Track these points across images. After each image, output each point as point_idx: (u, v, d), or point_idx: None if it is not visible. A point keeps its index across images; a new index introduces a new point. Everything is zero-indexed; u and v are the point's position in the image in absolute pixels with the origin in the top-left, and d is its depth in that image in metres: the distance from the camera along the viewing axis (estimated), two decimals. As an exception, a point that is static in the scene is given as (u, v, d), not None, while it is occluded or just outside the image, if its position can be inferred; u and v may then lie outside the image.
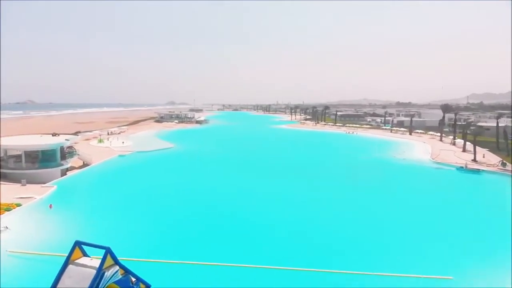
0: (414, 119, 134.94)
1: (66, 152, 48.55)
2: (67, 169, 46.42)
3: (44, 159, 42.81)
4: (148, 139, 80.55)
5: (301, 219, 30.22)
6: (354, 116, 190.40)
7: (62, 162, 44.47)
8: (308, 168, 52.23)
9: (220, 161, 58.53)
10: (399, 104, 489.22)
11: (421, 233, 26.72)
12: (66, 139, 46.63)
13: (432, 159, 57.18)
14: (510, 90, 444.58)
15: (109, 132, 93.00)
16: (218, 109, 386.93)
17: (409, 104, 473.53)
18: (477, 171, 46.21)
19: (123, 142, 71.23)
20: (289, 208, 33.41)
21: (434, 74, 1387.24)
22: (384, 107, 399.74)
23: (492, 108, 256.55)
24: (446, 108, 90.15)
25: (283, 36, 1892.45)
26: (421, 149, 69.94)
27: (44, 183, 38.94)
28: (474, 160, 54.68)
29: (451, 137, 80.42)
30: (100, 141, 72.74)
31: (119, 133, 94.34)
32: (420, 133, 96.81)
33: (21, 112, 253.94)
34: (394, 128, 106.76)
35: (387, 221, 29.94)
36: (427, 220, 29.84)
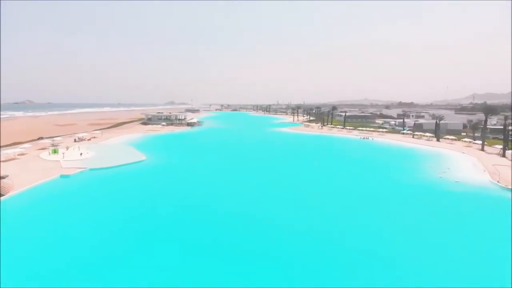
0: (426, 121, 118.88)
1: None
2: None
3: None
4: (117, 148, 64.49)
5: None
6: (362, 117, 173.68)
7: None
8: (331, 195, 36.28)
9: (204, 181, 42.61)
10: (401, 104, 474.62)
11: None
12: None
13: (496, 181, 41.11)
14: (511, 90, 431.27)
15: (77, 138, 77.08)
16: (216, 109, 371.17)
17: (411, 104, 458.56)
18: None
19: (81, 154, 55.24)
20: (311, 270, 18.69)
21: (434, 74, 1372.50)
22: (387, 107, 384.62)
23: (499, 108, 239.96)
24: (489, 110, 73.46)
25: (283, 36, 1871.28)
26: (467, 163, 53.93)
27: None
28: (556, 183, 38.80)
29: (499, 146, 64.37)
30: (54, 151, 56.86)
31: (89, 139, 78.58)
32: (451, 139, 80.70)
33: (10, 112, 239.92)
34: (418, 133, 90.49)
35: None
36: None
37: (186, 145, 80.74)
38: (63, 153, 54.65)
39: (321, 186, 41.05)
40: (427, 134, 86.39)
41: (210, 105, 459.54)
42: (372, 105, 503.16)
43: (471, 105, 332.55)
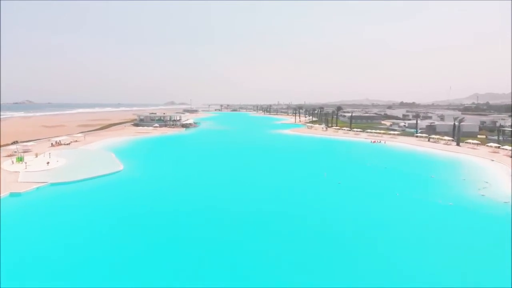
0: (440, 123, 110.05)
1: None
2: None
3: None
4: (95, 155, 55.99)
5: None
6: (367, 118, 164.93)
7: None
8: (348, 216, 27.90)
9: (190, 197, 34.27)
10: (403, 104, 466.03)
11: None
12: None
13: (555, 202, 32.68)
14: (511, 90, 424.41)
15: (54, 142, 68.77)
16: (216, 110, 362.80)
17: (413, 105, 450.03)
18: None
19: (48, 163, 46.93)
20: None
21: (435, 74, 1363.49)
22: (389, 107, 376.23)
23: (505, 108, 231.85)
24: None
25: (283, 36, 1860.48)
26: (504, 174, 45.43)
27: None
28: None
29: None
30: (20, 159, 48.59)
31: (68, 144, 70.30)
32: (474, 143, 72.20)
33: (10, 113, 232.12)
34: (434, 136, 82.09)
35: None
36: None
37: (176, 150, 72.42)
38: (25, 163, 46.22)
39: (335, 204, 32.66)
40: (446, 137, 77.90)
41: (209, 105, 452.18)
42: (373, 105, 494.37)
43: (474, 105, 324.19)
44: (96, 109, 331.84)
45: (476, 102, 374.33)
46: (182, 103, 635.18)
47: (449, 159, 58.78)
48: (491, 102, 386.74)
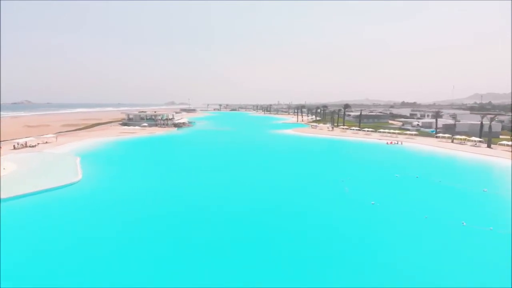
0: (460, 122, 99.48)
1: None
2: None
3: None
4: (54, 161, 45.48)
5: None
6: (374, 117, 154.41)
7: None
8: (392, 254, 17.88)
9: (163, 220, 24.19)
10: (404, 104, 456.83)
11: None
12: None
13: None
14: (511, 90, 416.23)
15: (17, 144, 58.66)
16: (215, 109, 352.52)
17: (414, 104, 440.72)
18: None
19: (-11, 172, 36.76)
20: None
21: (435, 74, 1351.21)
22: (391, 106, 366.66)
23: (507, 108, 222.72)
24: None
25: (283, 36, 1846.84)
26: None
27: None
28: None
29: None
30: (-41, 166, 38.48)
31: (34, 146, 60.18)
32: (508, 145, 62.02)
33: (11, 113, 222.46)
34: (459, 137, 71.94)
35: None
36: None
37: (161, 153, 62.19)
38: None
39: (380, 237, 22.47)
40: (474, 138, 67.63)
41: (208, 105, 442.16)
42: (375, 105, 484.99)
43: (477, 105, 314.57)
44: (97, 109, 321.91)
45: (478, 102, 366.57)
46: (182, 103, 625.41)
47: (488, 165, 48.62)
48: (493, 102, 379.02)
